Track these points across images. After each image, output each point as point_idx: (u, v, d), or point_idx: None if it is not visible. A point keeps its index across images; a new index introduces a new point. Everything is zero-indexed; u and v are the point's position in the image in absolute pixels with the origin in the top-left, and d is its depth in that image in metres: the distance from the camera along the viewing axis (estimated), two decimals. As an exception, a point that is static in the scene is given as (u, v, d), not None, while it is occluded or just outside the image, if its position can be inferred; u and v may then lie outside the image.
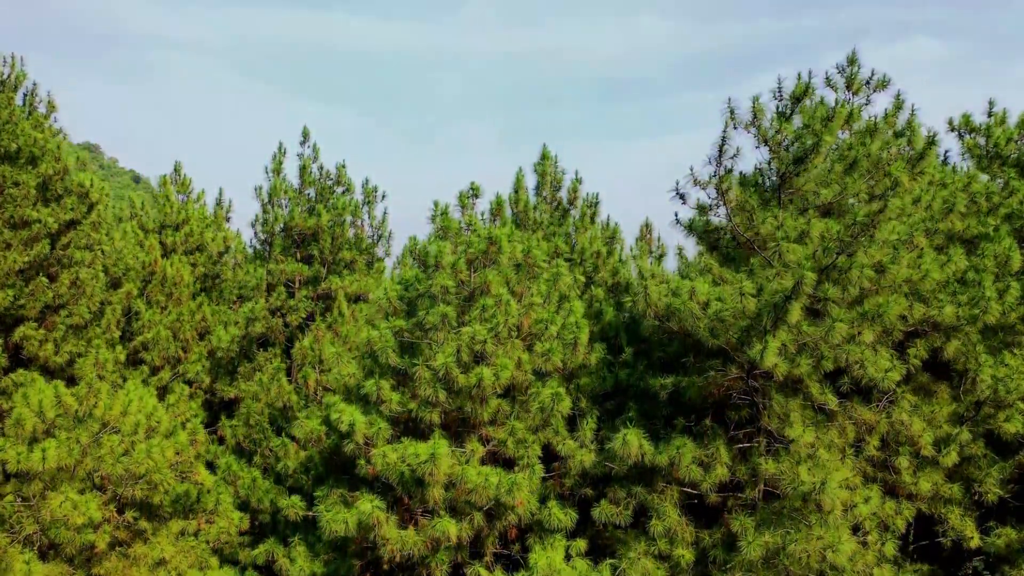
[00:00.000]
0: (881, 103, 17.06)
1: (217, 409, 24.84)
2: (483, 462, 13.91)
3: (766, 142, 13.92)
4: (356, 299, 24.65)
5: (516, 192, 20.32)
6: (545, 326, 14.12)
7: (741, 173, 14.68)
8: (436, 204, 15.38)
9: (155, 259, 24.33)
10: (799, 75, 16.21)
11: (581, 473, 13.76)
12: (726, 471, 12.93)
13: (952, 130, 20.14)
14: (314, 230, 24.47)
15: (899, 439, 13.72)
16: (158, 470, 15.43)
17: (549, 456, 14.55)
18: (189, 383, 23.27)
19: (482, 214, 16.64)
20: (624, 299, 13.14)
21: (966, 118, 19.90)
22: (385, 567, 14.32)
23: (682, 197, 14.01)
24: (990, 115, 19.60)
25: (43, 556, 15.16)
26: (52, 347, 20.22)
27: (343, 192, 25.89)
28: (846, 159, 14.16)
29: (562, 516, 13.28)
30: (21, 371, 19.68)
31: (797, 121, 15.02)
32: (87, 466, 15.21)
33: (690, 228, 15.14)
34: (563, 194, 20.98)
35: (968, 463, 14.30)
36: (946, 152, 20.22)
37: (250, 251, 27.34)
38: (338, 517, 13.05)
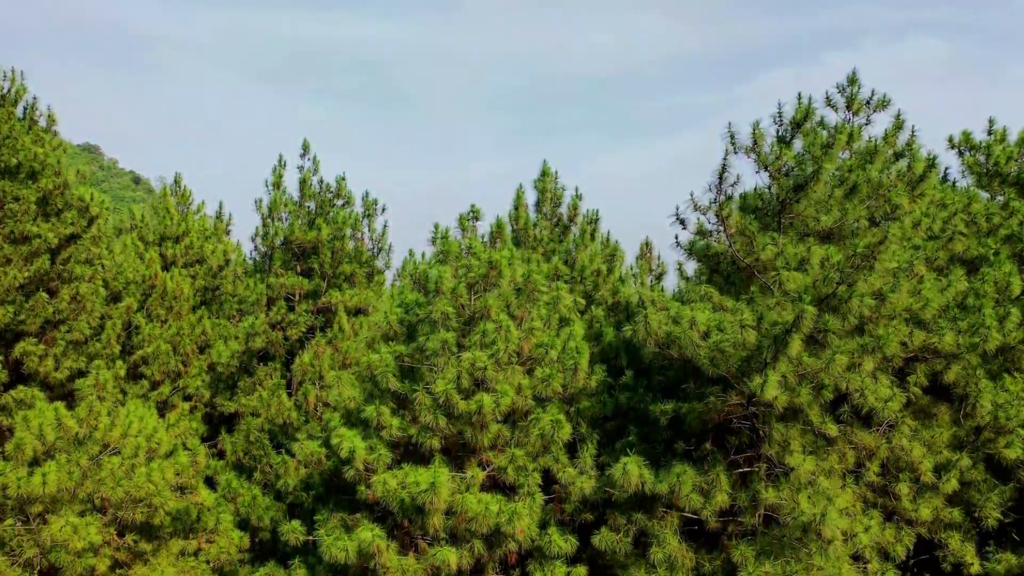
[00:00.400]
0: (881, 122, 16.99)
1: (217, 422, 24.84)
2: (483, 487, 13.92)
3: (766, 168, 13.92)
4: (356, 312, 24.66)
5: (516, 209, 20.35)
6: (545, 350, 14.12)
7: (741, 196, 14.67)
8: (436, 227, 15.37)
9: (155, 272, 24.32)
10: (799, 96, 16.27)
11: (581, 499, 13.77)
12: (726, 498, 12.94)
13: (952, 147, 20.16)
14: (314, 243, 24.48)
15: (899, 464, 13.73)
16: (158, 493, 15.44)
17: (549, 478, 14.57)
18: (189, 397, 23.29)
19: (483, 236, 16.61)
20: (625, 328, 13.11)
21: (966, 135, 19.91)
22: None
23: (682, 222, 14.03)
24: (990, 133, 19.61)
25: (44, 580, 15.17)
26: (52, 363, 20.23)
27: (343, 205, 25.88)
28: (846, 183, 14.16)
29: (562, 543, 13.30)
30: (21, 387, 19.70)
31: (798, 144, 15.04)
32: (87, 489, 15.22)
33: (690, 251, 15.14)
34: (563, 210, 21.01)
35: (968, 487, 14.31)
36: (946, 169, 20.27)
37: (250, 262, 27.35)
38: (338, 544, 13.06)
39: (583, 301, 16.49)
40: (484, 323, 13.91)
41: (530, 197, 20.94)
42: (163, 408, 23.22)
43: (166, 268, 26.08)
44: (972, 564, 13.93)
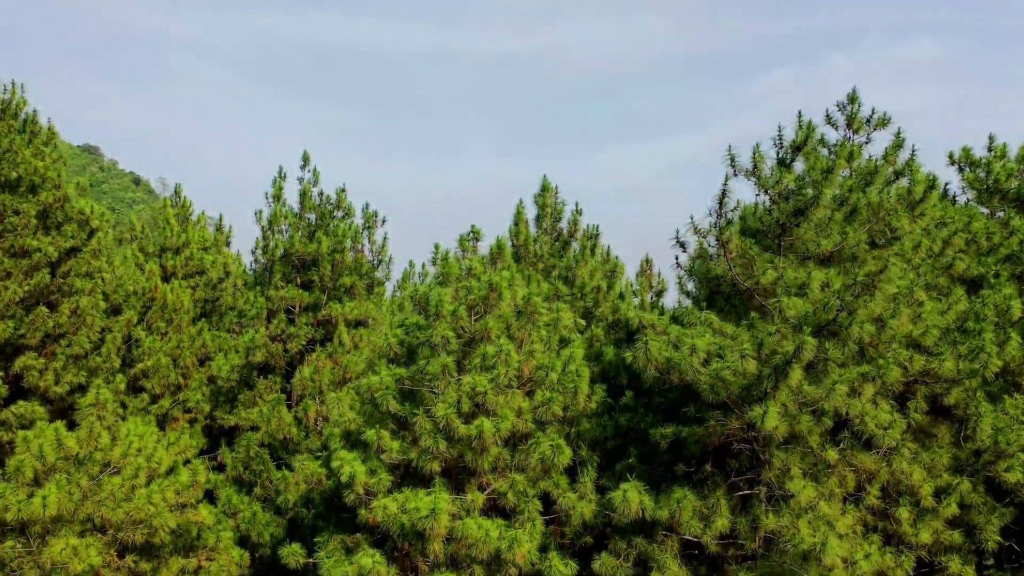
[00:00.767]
0: (882, 140, 17.00)
1: (217, 435, 24.85)
2: (484, 510, 13.93)
3: (766, 191, 13.93)
4: (357, 324, 24.65)
5: (516, 224, 20.35)
6: (546, 373, 14.12)
7: (741, 218, 14.68)
8: (437, 247, 15.39)
9: (155, 285, 24.32)
10: (799, 115, 16.28)
11: (582, 523, 13.78)
12: (727, 523, 12.95)
13: (952, 163, 20.17)
14: (314, 256, 24.47)
15: (899, 488, 13.72)
16: (159, 514, 15.45)
17: (549, 499, 14.56)
18: (189, 410, 23.30)
19: (482, 256, 16.59)
20: (625, 354, 13.11)
21: (966, 151, 19.93)
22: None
23: (682, 245, 14.05)
24: (990, 149, 19.62)
25: (44, 602, 15.16)
26: (52, 377, 20.23)
27: (343, 217, 25.87)
28: (847, 205, 14.17)
29: (563, 568, 13.30)
30: (22, 402, 19.71)
31: (799, 165, 15.05)
32: (87, 509, 15.23)
33: (690, 272, 15.15)
34: (563, 225, 21.02)
35: (968, 510, 14.31)
36: (946, 185, 20.27)
37: (250, 273, 27.34)
38: (338, 569, 13.08)
39: (583, 322, 16.49)
40: (484, 345, 13.92)
41: (530, 211, 20.98)
42: (163, 421, 23.25)
43: (166, 280, 26.09)
44: (972, 586, 13.94)
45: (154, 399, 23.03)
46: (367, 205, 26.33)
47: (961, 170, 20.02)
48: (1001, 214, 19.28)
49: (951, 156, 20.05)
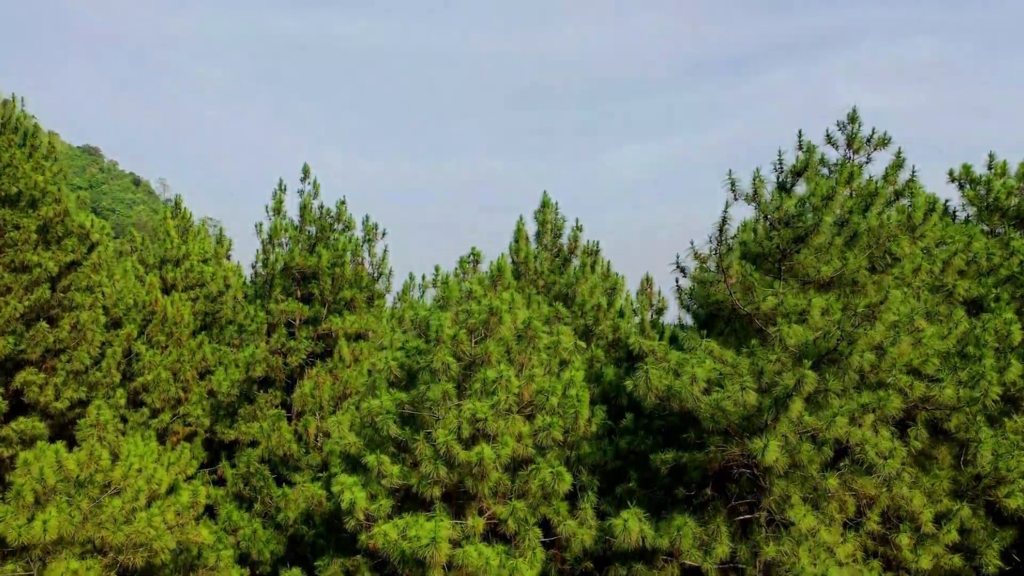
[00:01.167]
0: (882, 160, 17.01)
1: (217, 448, 24.87)
2: (484, 535, 13.94)
3: (767, 217, 13.93)
4: (357, 337, 24.66)
5: (517, 241, 20.37)
6: (546, 397, 14.13)
7: (742, 243, 14.67)
8: (437, 269, 15.39)
9: (156, 298, 24.32)
10: (799, 134, 16.28)
11: (582, 549, 13.79)
12: (727, 550, 12.96)
13: (952, 180, 20.17)
14: (314, 269, 24.47)
15: (900, 513, 13.73)
16: (159, 537, 15.45)
17: (550, 522, 14.55)
18: (189, 424, 23.31)
19: (482, 275, 16.60)
20: (625, 382, 13.11)
21: (966, 168, 19.93)
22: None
23: (682, 270, 14.06)
24: (990, 167, 19.62)
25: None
26: (52, 392, 20.23)
27: (343, 229, 25.87)
28: (847, 230, 14.17)
29: (563, 594, 13.31)
30: (22, 419, 19.71)
31: (801, 187, 15.04)
32: (88, 532, 15.23)
33: (691, 296, 15.15)
34: (564, 241, 21.03)
35: (968, 534, 14.31)
36: (947, 201, 20.27)
37: (250, 285, 27.35)
38: (339, 596, 13.07)
39: (583, 344, 16.49)
40: (485, 370, 13.92)
41: (530, 227, 21.00)
42: (163, 435, 23.26)
43: (166, 292, 26.10)
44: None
45: (154, 413, 23.04)
46: (367, 218, 26.38)
47: (961, 187, 20.02)
48: (1001, 229, 19.29)
49: (951, 173, 20.06)
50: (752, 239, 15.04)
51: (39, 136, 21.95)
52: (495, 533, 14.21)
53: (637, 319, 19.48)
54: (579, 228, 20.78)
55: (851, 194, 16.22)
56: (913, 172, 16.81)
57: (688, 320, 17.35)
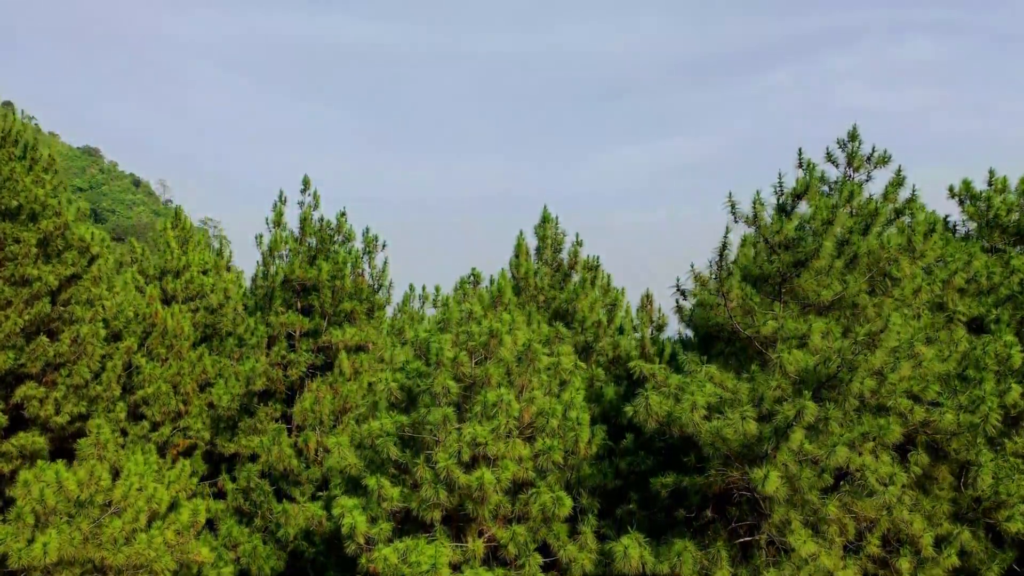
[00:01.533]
0: (882, 177, 17.01)
1: (217, 460, 24.86)
2: (484, 559, 13.94)
3: (767, 240, 13.93)
4: (357, 349, 24.66)
5: (517, 257, 20.37)
6: (546, 420, 14.13)
7: (742, 266, 14.68)
8: (437, 289, 15.39)
9: (156, 310, 24.29)
10: (799, 153, 16.27)
11: (582, 574, 13.80)
12: (727, 575, 12.96)
13: (952, 196, 20.18)
14: (314, 282, 24.47)
15: (900, 537, 13.73)
16: (159, 558, 15.47)
17: (550, 545, 14.56)
18: (189, 437, 23.30)
19: (482, 291, 16.59)
20: (626, 408, 13.12)
21: (966, 184, 19.93)
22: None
23: (683, 293, 14.08)
24: (990, 183, 19.62)
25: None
26: (53, 407, 20.20)
27: (343, 241, 25.86)
28: (847, 252, 14.17)
29: (563, 619, 13.32)
30: (22, 433, 19.69)
31: (802, 206, 15.04)
32: (88, 553, 15.24)
33: (691, 317, 15.15)
34: (564, 256, 21.03)
35: (968, 557, 14.32)
36: (947, 216, 20.27)
37: (250, 296, 27.33)
38: (340, 621, 13.07)
39: (584, 365, 16.49)
40: (485, 392, 13.92)
41: (531, 242, 21.00)
42: (164, 448, 23.25)
43: (166, 303, 26.08)
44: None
45: (155, 426, 23.02)
46: (367, 229, 26.36)
47: (962, 203, 20.03)
48: (1001, 246, 19.29)
49: (951, 189, 20.07)
50: (752, 263, 15.05)
51: (39, 148, 21.93)
52: (495, 556, 14.22)
53: (637, 335, 19.48)
54: (579, 243, 20.81)
55: (852, 212, 16.22)
56: (914, 191, 16.84)
57: (689, 333, 17.37)
